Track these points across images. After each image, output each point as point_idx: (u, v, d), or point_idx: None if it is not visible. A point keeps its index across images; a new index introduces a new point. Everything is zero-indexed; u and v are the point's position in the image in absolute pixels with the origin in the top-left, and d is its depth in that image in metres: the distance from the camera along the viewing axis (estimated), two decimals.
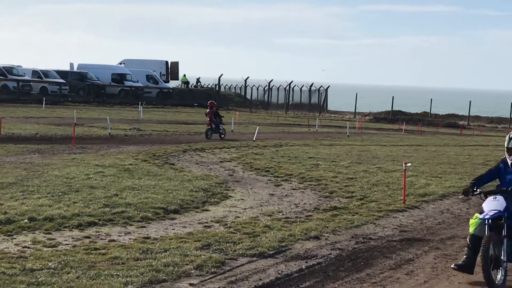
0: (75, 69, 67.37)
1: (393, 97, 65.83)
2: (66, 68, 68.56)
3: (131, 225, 12.06)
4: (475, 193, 9.50)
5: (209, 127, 31.72)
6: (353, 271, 9.55)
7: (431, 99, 66.24)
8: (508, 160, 9.32)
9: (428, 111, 67.41)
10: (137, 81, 64.95)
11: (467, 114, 66.77)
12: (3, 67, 60.90)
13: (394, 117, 63.85)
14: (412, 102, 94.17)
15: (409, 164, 16.17)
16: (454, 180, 18.71)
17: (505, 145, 9.36)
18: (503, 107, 71.70)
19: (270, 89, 73.22)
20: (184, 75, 77.21)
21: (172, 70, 76.54)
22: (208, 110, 32.07)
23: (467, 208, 14.82)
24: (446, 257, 10.44)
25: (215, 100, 39.31)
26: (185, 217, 13.01)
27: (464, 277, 9.26)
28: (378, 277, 9.26)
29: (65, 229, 11.46)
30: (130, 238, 11.03)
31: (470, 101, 65.44)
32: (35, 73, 62.59)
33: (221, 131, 31.88)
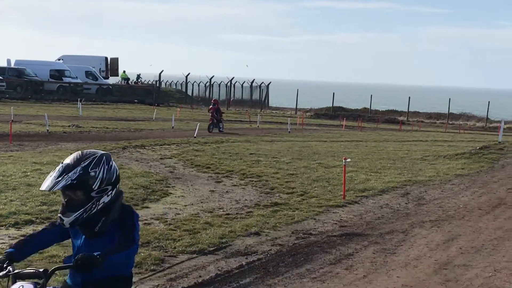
0: (12, 65, 66.04)
1: (333, 93, 66.36)
2: (3, 64, 67.19)
3: None
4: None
5: (211, 122, 35.88)
6: (293, 266, 9.56)
7: (371, 95, 66.96)
8: None
9: (368, 107, 68.18)
10: (76, 77, 64.02)
11: (406, 110, 67.73)
12: None
13: (334, 113, 64.36)
14: (352, 98, 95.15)
15: (349, 160, 16.29)
16: (393, 175, 18.93)
17: None
18: (441, 102, 72.93)
19: (211, 85, 73.06)
20: (124, 72, 76.46)
21: (111, 66, 75.70)
22: (211, 107, 36.51)
23: (406, 203, 15.00)
24: (385, 251, 10.53)
25: (154, 97, 39.34)
26: None
27: (403, 271, 9.35)
28: (318, 272, 9.28)
29: (1, 227, 11.20)
30: None
31: (409, 97, 66.37)
32: None
33: (220, 125, 35.74)
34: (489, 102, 65.16)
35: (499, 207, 14.78)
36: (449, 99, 65.23)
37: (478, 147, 26.47)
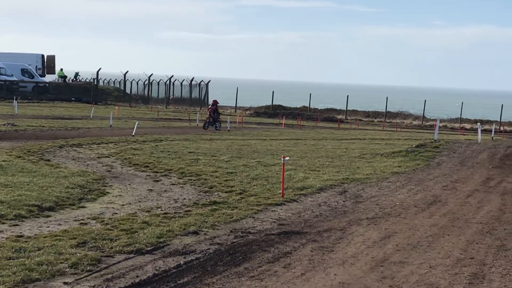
0: None
1: (273, 91, 66.60)
2: None
3: (3, 223, 11.59)
4: None
5: (207, 120, 38.98)
6: (231, 265, 9.53)
7: (310, 94, 67.41)
8: None
9: (307, 105, 68.62)
10: (12, 75, 62.75)
11: (344, 109, 68.41)
12: None
13: (274, 111, 64.62)
14: (291, 97, 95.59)
15: (287, 158, 16.34)
16: (332, 173, 19.08)
17: None
18: (379, 101, 73.87)
19: (150, 83, 72.55)
20: (61, 69, 75.33)
21: (48, 64, 74.47)
22: (209, 107, 40.24)
23: (344, 201, 15.13)
24: (323, 249, 10.59)
25: (92, 95, 39.11)
26: (61, 215, 12.66)
27: (340, 269, 9.42)
28: (256, 270, 9.28)
29: None
30: (2, 237, 10.61)
31: (347, 96, 67.05)
32: None
33: (216, 124, 38.59)
34: (425, 101, 66.27)
35: (435, 205, 15.03)
36: (386, 97, 66.08)
37: (414, 145, 26.87)
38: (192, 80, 72.81)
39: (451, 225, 12.73)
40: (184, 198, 14.79)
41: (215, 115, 39.02)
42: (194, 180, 17.23)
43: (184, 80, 73.17)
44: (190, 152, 23.28)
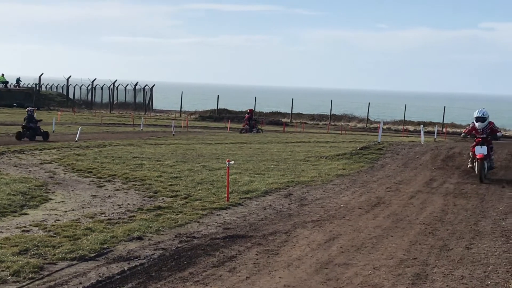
0: None
1: (218, 95, 66.59)
2: None
3: None
4: None
5: (243, 127, 46.66)
6: (176, 270, 9.48)
7: (255, 97, 67.57)
8: None
9: (253, 109, 68.75)
10: None
11: (290, 112, 68.76)
12: None
13: (219, 115, 64.62)
14: (237, 100, 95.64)
15: (232, 162, 16.33)
16: (277, 177, 19.12)
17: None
18: (324, 104, 74.42)
19: (93, 88, 71.87)
20: (2, 75, 74.08)
21: None
22: (246, 115, 47.83)
23: (289, 204, 15.17)
24: (268, 252, 10.59)
25: (34, 100, 38.65)
26: (2, 222, 12.43)
27: (285, 271, 9.43)
28: (201, 275, 9.24)
29: None
30: None
31: (292, 99, 67.44)
32: None
33: (254, 130, 45.45)
34: (369, 103, 66.99)
35: (378, 206, 15.17)
36: (331, 100, 66.69)
37: (358, 148, 27.11)
38: (136, 84, 72.38)
39: (394, 226, 12.86)
40: (128, 204, 14.65)
41: (251, 122, 46.34)
42: (138, 185, 17.09)
43: (128, 84, 72.68)
44: (134, 157, 23.10)
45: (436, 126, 49.85)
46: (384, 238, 11.76)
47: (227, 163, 15.79)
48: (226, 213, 13.85)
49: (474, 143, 19.40)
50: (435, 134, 42.20)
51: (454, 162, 23.49)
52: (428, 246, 11.20)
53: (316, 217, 13.69)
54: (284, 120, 63.64)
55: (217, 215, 13.64)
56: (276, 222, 13.10)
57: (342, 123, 64.15)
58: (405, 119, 66.00)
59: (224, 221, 13.07)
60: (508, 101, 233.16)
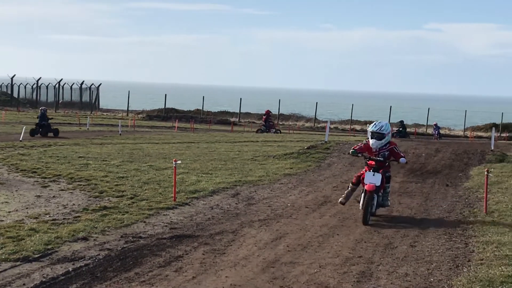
0: None
1: (165, 94, 66.29)
2: None
3: None
4: None
5: (260, 128, 50.35)
6: (121, 270, 9.39)
7: (203, 97, 67.46)
8: None
9: (201, 108, 68.62)
10: None
11: (238, 111, 68.79)
12: None
13: (167, 114, 64.31)
14: (185, 100, 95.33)
15: (179, 162, 16.26)
16: (224, 176, 19.10)
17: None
18: (272, 103, 74.61)
19: (38, 87, 70.85)
20: None
21: None
22: (263, 117, 51.76)
23: (236, 203, 15.16)
24: (215, 252, 10.57)
25: None
26: None
27: (232, 271, 9.43)
28: (147, 275, 9.18)
29: None
30: None
31: (240, 99, 67.51)
32: None
33: (272, 130, 48.98)
34: (316, 103, 67.43)
35: (325, 205, 15.27)
36: (279, 100, 66.95)
37: (306, 147, 27.26)
38: (82, 83, 71.58)
39: (340, 225, 12.96)
40: (74, 204, 14.47)
41: (267, 123, 49.61)
42: (84, 185, 16.89)
43: (74, 83, 71.85)
44: (80, 157, 22.83)
45: None
46: (330, 237, 11.84)
47: (174, 162, 15.71)
48: (173, 213, 13.78)
49: (365, 168, 13.97)
50: None
51: None
52: (373, 244, 11.31)
53: (263, 216, 13.72)
54: (232, 119, 63.67)
55: (164, 215, 13.56)
56: (223, 222, 13.08)
57: (290, 123, 64.43)
58: (352, 118, 66.61)
59: (171, 221, 13.00)
60: (454, 101, 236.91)
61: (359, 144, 14.02)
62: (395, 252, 10.76)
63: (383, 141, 13.52)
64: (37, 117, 35.90)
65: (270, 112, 52.08)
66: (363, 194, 13.49)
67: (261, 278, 9.09)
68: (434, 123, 58.42)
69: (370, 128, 13.61)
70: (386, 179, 13.65)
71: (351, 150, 13.79)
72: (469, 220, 13.64)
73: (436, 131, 55.07)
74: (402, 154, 13.62)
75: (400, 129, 53.09)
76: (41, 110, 36.47)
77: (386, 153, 13.62)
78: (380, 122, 13.63)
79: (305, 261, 10.04)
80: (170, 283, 8.87)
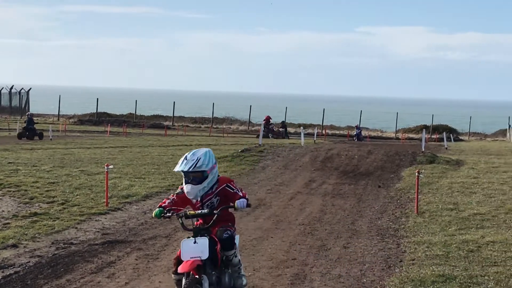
0: None
1: (97, 98, 65.47)
2: None
3: None
4: None
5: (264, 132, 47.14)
6: (52, 277, 9.21)
7: (136, 101, 66.93)
8: None
9: (134, 112, 68.03)
10: None
11: (171, 115, 68.46)
12: None
13: (99, 119, 63.52)
14: (117, 104, 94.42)
15: (111, 166, 16.06)
16: (158, 181, 18.95)
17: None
18: (206, 107, 74.57)
19: None
20: None
21: None
22: (264, 121, 52.56)
23: None
24: (148, 257, 10.46)
25: None
26: None
27: (165, 276, 9.33)
28: (79, 282, 9.02)
29: None
30: None
31: (174, 102, 67.17)
32: None
33: (269, 135, 50.47)
34: (250, 106, 67.60)
35: (259, 208, 15.28)
36: (213, 103, 66.81)
37: (240, 150, 27.27)
38: (11, 88, 70.20)
39: (275, 228, 12.98)
40: (3, 211, 14.13)
41: (265, 129, 48.86)
42: (13, 192, 16.51)
43: (3, 88, 70.41)
44: (9, 163, 22.34)
45: (316, 128, 50.79)
46: (264, 240, 11.85)
47: (106, 167, 15.51)
48: (105, 218, 13.59)
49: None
50: (315, 136, 42.99)
51: (332, 163, 24.02)
52: (307, 246, 11.36)
53: None
54: (166, 123, 63.23)
55: (96, 220, 13.37)
56: (157, 226, 12.96)
57: (224, 126, 64.37)
58: (286, 121, 66.96)
59: (103, 227, 12.82)
60: (387, 103, 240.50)
61: (170, 196, 7.91)
62: (328, 254, 10.83)
63: (205, 183, 7.70)
64: (24, 122, 39.48)
65: (270, 118, 53.82)
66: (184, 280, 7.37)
67: None
68: (356, 125, 59.13)
69: (178, 167, 7.61)
70: (225, 244, 7.74)
71: (156, 210, 7.65)
72: (401, 220, 13.83)
73: (357, 133, 55.18)
74: (240, 193, 7.80)
75: (281, 128, 54.22)
76: (27, 115, 40.65)
77: (215, 199, 7.84)
78: (194, 154, 7.64)
79: None
80: None
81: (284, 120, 58.84)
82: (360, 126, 59.55)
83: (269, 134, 50.52)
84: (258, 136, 36.69)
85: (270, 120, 53.38)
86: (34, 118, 41.41)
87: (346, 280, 9.25)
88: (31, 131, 38.03)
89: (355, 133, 55.62)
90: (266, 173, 21.94)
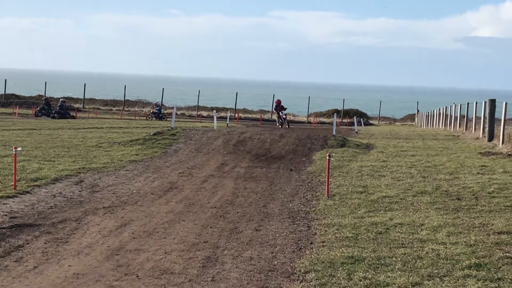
0: None
1: (5, 80, 63.98)
2: None
3: None
4: None
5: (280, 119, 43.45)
6: None
7: (46, 82, 65.62)
8: None
9: (43, 94, 66.70)
10: None
11: (82, 97, 67.41)
12: None
13: (7, 100, 62.05)
14: (26, 85, 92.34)
15: (19, 149, 15.70)
16: (68, 163, 18.63)
17: None
18: (118, 89, 73.66)
19: None
20: None
21: None
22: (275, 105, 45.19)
23: (80, 191, 14.82)
24: (57, 240, 10.29)
25: None
26: None
27: (75, 259, 9.21)
28: None
29: None
30: None
31: (84, 84, 66.21)
32: None
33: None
34: (163, 89, 67.26)
35: (171, 191, 15.23)
36: (125, 86, 66.19)
37: (152, 133, 27.08)
38: None
39: (186, 211, 12.96)
40: None
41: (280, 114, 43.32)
42: None
43: None
44: None
45: (229, 111, 50.89)
46: (176, 223, 11.82)
47: (14, 150, 15.15)
48: (13, 202, 13.28)
49: None
50: (228, 119, 43.05)
51: (245, 147, 24.13)
52: (219, 229, 11.39)
53: (108, 203, 13.50)
54: (76, 105, 62.21)
55: (3, 204, 13.03)
56: (66, 210, 12.76)
57: (136, 109, 63.78)
58: (199, 104, 66.83)
59: (11, 210, 12.52)
60: (300, 88, 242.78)
61: None
62: (240, 237, 10.88)
63: None
64: (57, 107, 48.97)
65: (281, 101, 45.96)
66: None
67: (105, 266, 8.94)
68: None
69: None
70: None
71: None
72: (312, 203, 14.01)
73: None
74: None
75: (44, 106, 49.99)
76: (61, 101, 50.58)
77: None
78: None
79: (150, 248, 9.96)
80: (10, 273, 8.54)
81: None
82: (271, 110, 59.99)
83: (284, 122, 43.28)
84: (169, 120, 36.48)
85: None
86: None
87: (257, 262, 9.33)
88: (60, 114, 43.01)
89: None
90: (179, 156, 21.86)
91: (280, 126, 42.16)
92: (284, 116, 43.29)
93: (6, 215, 12.08)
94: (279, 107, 43.40)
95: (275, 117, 45.47)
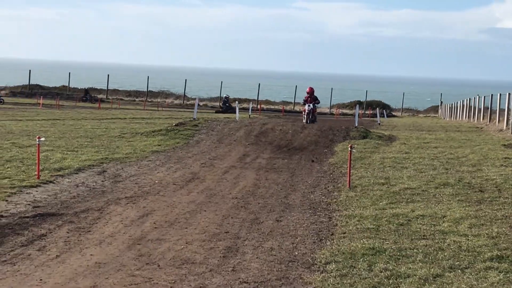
0: None
1: (30, 70, 64.40)
2: None
3: None
4: None
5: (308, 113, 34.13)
6: None
7: (69, 73, 65.98)
8: None
9: (67, 84, 67.10)
10: None
11: (105, 88, 67.72)
12: None
13: (31, 91, 62.50)
14: (50, 76, 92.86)
15: (42, 139, 15.82)
16: (90, 154, 18.75)
17: None
18: (141, 80, 73.96)
19: None
20: None
21: None
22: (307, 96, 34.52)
23: (102, 181, 14.92)
24: (80, 230, 10.37)
25: None
26: None
27: (97, 249, 9.28)
28: (9, 255, 8.89)
29: None
30: None
31: (108, 75, 66.41)
32: None
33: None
34: (186, 80, 67.37)
35: (193, 182, 15.28)
36: (148, 77, 66.35)
37: (174, 124, 27.16)
38: None
39: (208, 201, 13.00)
40: None
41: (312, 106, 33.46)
42: None
43: None
44: None
45: (251, 103, 50.89)
46: (197, 213, 11.86)
47: (37, 140, 15.27)
48: (37, 191, 13.40)
49: None
50: (250, 110, 43.08)
51: (266, 138, 24.15)
52: (240, 220, 11.42)
53: (130, 193, 13.57)
54: (100, 96, 62.51)
55: (27, 193, 13.16)
56: (89, 200, 12.85)
57: (159, 100, 63.97)
58: (221, 95, 66.89)
59: (34, 199, 12.64)
60: (322, 79, 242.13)
61: None
62: (261, 227, 10.90)
63: None
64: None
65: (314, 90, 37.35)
66: None
67: (126, 256, 9.00)
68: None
69: None
70: None
71: None
72: (333, 194, 14.01)
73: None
74: None
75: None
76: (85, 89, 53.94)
77: None
78: None
79: (171, 238, 10.02)
80: (33, 262, 8.63)
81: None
82: (295, 101, 59.94)
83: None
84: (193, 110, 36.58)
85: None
86: None
87: (278, 253, 9.34)
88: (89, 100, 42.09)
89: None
90: (200, 147, 21.92)
91: (306, 123, 32.17)
92: (310, 109, 33.26)
93: (29, 204, 12.20)
94: (311, 97, 33.54)
95: (305, 108, 34.56)
